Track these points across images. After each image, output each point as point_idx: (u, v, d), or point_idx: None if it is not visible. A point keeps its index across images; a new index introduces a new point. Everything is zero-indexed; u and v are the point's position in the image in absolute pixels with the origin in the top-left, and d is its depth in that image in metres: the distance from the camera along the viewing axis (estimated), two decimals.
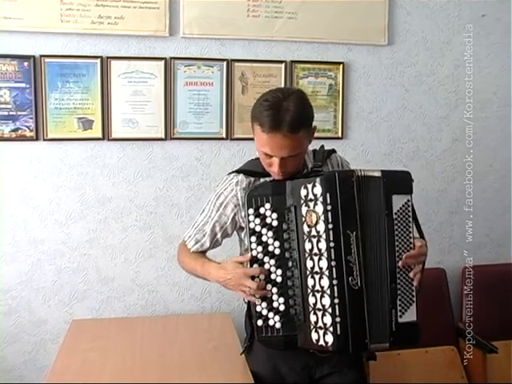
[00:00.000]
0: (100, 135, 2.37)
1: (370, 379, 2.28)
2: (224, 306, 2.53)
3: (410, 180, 1.56)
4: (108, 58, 2.34)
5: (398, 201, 1.52)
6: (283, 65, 2.48)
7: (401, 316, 1.51)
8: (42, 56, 2.29)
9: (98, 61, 2.33)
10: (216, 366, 1.85)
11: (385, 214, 1.51)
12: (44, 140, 2.32)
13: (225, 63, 2.43)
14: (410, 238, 1.53)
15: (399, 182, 1.55)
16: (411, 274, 1.52)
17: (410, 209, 1.54)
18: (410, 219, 1.54)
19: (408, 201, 1.54)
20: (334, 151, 1.75)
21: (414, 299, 1.53)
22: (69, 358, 1.90)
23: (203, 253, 1.75)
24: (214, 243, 1.74)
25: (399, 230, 1.52)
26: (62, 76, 2.31)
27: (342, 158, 1.77)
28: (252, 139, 1.60)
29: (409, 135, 2.66)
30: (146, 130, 2.40)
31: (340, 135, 2.57)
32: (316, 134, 2.41)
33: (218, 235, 1.73)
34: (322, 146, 1.73)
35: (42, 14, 2.25)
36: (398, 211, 1.52)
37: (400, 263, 1.51)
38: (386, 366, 2.37)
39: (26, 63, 2.27)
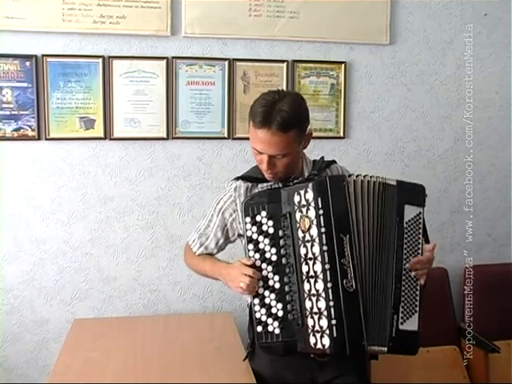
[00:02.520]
0: (102, 135, 2.37)
1: (371, 379, 2.28)
2: (226, 306, 2.53)
3: (423, 193, 1.60)
4: (110, 57, 2.34)
5: (409, 211, 1.56)
6: (285, 64, 2.48)
7: (402, 323, 1.52)
8: (43, 55, 2.29)
9: (100, 60, 2.33)
10: (218, 365, 1.85)
11: (396, 220, 1.54)
12: (46, 139, 2.33)
13: (227, 63, 2.43)
14: (418, 249, 1.56)
15: (413, 193, 1.58)
16: (413, 273, 1.54)
17: (420, 221, 1.57)
18: (420, 231, 1.56)
19: (420, 213, 1.57)
20: (334, 162, 1.76)
21: (418, 309, 1.55)
22: (71, 357, 1.91)
23: (210, 255, 1.79)
24: (218, 247, 1.78)
25: (408, 239, 1.54)
26: (64, 75, 2.31)
27: (342, 168, 1.78)
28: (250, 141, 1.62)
29: (411, 135, 2.66)
30: (147, 129, 2.40)
31: (342, 135, 2.57)
32: (318, 134, 2.48)
33: (221, 239, 1.76)
34: (322, 158, 1.74)
35: (44, 14, 2.25)
36: (410, 221, 1.55)
37: (407, 265, 1.53)
38: (388, 365, 2.33)
39: (27, 63, 2.27)
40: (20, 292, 2.37)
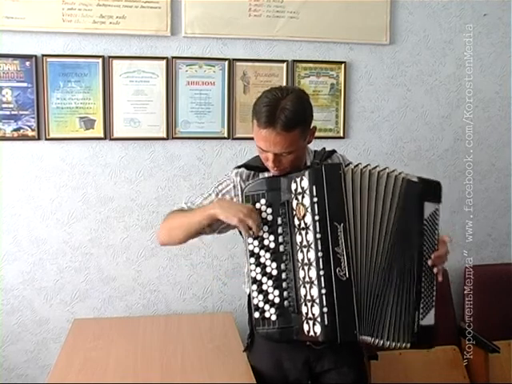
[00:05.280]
0: (102, 135, 2.36)
1: (371, 379, 2.27)
2: (225, 306, 2.53)
3: (440, 190, 1.60)
4: (110, 57, 2.34)
5: (428, 208, 1.56)
6: (285, 64, 2.48)
7: (422, 319, 1.54)
8: (43, 55, 2.29)
9: (100, 60, 2.33)
10: (218, 365, 1.85)
11: (416, 218, 1.54)
12: (46, 139, 2.32)
13: (226, 63, 2.43)
14: (436, 244, 1.57)
15: (432, 190, 1.59)
16: (435, 270, 1.55)
17: (438, 217, 1.58)
18: (437, 227, 1.58)
19: (437, 209, 1.58)
20: (334, 151, 1.77)
21: (434, 303, 1.57)
22: (71, 357, 1.90)
23: None
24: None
25: (427, 235, 1.55)
26: (64, 75, 2.31)
27: (343, 157, 1.79)
28: (253, 139, 1.62)
29: (410, 135, 2.66)
30: (147, 129, 2.40)
31: (342, 135, 2.57)
32: (318, 134, 2.44)
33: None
34: (324, 148, 1.75)
35: (44, 14, 2.25)
36: (428, 217, 1.56)
37: (429, 262, 1.54)
38: (388, 365, 2.36)
39: (27, 63, 2.27)
40: (20, 292, 2.37)
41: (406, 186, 1.54)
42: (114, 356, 1.91)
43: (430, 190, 1.58)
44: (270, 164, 1.59)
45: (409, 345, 1.52)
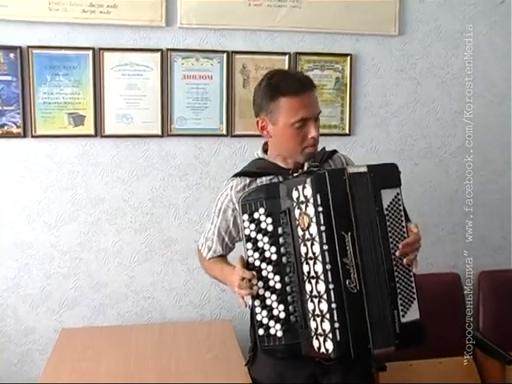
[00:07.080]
0: (92, 132, 2.34)
1: None
2: (224, 313, 2.50)
3: (397, 172, 1.55)
4: (100, 49, 2.32)
5: (387, 195, 1.51)
6: (287, 57, 2.45)
7: (403, 316, 1.49)
8: (29, 47, 2.26)
9: (90, 52, 2.30)
10: (217, 376, 1.83)
11: (375, 211, 1.50)
12: (32, 137, 2.30)
13: (225, 55, 2.41)
14: (404, 232, 1.52)
15: (386, 175, 1.53)
16: (405, 261, 1.50)
17: (400, 202, 1.53)
18: (402, 213, 1.53)
19: (398, 194, 1.53)
20: (335, 151, 1.75)
21: (415, 296, 1.52)
22: (58, 369, 1.87)
23: (221, 257, 1.78)
24: (226, 247, 1.76)
25: (392, 225, 1.51)
26: (51, 68, 2.29)
27: (346, 157, 1.76)
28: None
29: (421, 131, 2.61)
30: (141, 126, 2.37)
31: (347, 131, 2.54)
32: (322, 131, 2.37)
33: (226, 240, 1.75)
34: (324, 148, 1.72)
35: (29, 2, 2.22)
36: (389, 206, 1.51)
37: (397, 253, 1.49)
38: (397, 377, 2.30)
39: (11, 54, 2.25)
40: (4, 300, 2.34)
41: (356, 180, 1.49)
42: (105, 367, 1.88)
43: (384, 176, 1.52)
44: (313, 134, 1.58)
45: (393, 348, 1.47)
